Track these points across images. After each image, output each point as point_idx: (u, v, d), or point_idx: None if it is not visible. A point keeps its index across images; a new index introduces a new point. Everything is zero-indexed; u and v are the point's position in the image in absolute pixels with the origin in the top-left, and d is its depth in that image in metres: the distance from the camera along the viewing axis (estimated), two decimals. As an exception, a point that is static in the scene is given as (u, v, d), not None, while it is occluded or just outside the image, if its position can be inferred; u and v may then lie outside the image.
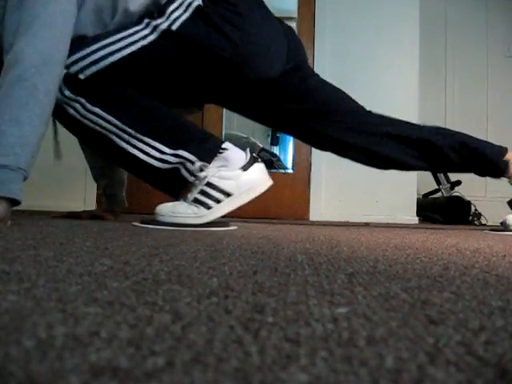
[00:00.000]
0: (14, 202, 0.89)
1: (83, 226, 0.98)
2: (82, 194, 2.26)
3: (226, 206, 1.04)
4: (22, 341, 0.18)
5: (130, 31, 1.04)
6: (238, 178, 1.04)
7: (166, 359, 0.17)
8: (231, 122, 2.50)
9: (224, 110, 2.31)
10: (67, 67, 1.01)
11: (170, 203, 1.06)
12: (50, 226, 0.93)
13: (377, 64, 2.38)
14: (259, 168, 1.08)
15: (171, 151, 1.03)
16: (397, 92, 2.37)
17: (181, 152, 1.03)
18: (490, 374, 0.16)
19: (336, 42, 2.40)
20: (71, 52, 1.00)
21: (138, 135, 1.03)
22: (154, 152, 1.03)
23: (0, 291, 0.27)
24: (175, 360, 0.17)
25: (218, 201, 1.04)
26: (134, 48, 1.03)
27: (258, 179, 1.07)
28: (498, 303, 0.28)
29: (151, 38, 1.04)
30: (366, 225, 1.72)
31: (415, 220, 2.32)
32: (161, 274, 0.35)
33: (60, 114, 1.04)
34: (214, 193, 1.04)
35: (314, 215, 2.28)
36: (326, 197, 2.31)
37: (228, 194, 1.04)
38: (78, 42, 1.02)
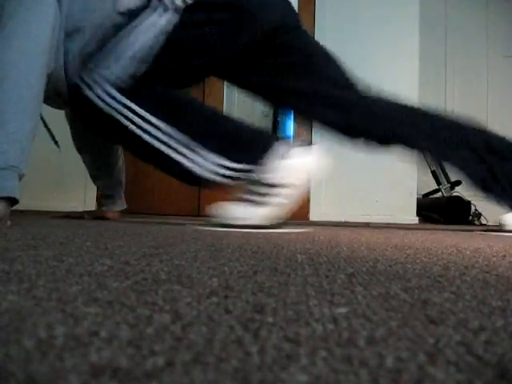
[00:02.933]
0: (12, 201, 0.89)
1: (83, 225, 0.98)
2: (82, 194, 2.26)
3: (278, 199, 1.04)
4: (22, 341, 0.18)
5: (148, 21, 1.06)
6: (277, 167, 1.03)
7: (165, 359, 0.17)
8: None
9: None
10: (110, 78, 1.03)
11: (228, 204, 1.06)
12: (49, 226, 0.93)
13: (377, 64, 2.38)
14: (298, 151, 1.06)
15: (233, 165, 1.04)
16: (397, 92, 2.37)
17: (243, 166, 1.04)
18: (489, 374, 0.16)
19: (336, 41, 2.40)
20: (104, 63, 1.03)
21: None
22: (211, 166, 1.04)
23: (0, 291, 0.27)
24: (175, 360, 0.17)
25: (268, 195, 1.03)
26: (163, 37, 1.05)
27: (298, 163, 1.05)
28: (498, 303, 0.28)
29: (174, 19, 1.05)
30: (366, 225, 1.72)
31: (415, 220, 2.32)
32: (161, 274, 0.35)
33: (102, 117, 1.05)
34: (263, 189, 1.04)
35: (314, 215, 2.28)
36: (326, 196, 2.31)
37: (273, 186, 1.03)
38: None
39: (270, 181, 1.02)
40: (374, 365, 0.17)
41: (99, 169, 1.44)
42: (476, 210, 2.50)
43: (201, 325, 0.21)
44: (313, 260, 0.48)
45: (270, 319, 0.23)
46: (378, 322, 0.23)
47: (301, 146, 1.07)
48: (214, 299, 0.27)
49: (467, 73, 2.97)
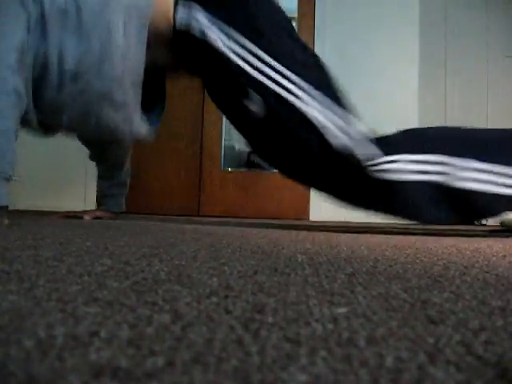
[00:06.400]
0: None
1: (83, 226, 0.98)
2: (82, 194, 2.26)
3: None
4: (22, 341, 0.18)
5: None
6: None
7: (165, 359, 0.17)
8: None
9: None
10: None
11: None
12: (49, 226, 0.93)
13: (377, 64, 2.38)
14: None
15: None
16: (397, 92, 2.37)
17: None
18: (490, 374, 0.16)
19: (336, 41, 2.40)
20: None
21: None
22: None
23: (0, 291, 0.27)
24: (175, 360, 0.17)
25: None
26: None
27: None
28: (498, 303, 0.28)
29: None
30: (367, 225, 1.71)
31: (415, 220, 2.31)
32: (161, 274, 0.35)
33: None
34: None
35: (314, 215, 2.28)
36: (326, 197, 2.30)
37: None
38: None
39: None
40: (374, 365, 0.17)
41: (107, 169, 1.45)
42: (476, 210, 2.50)
43: (201, 325, 0.21)
44: (313, 260, 0.48)
45: (270, 319, 0.23)
46: (378, 321, 0.23)
47: None
48: (214, 299, 0.27)
49: (467, 73, 2.96)
